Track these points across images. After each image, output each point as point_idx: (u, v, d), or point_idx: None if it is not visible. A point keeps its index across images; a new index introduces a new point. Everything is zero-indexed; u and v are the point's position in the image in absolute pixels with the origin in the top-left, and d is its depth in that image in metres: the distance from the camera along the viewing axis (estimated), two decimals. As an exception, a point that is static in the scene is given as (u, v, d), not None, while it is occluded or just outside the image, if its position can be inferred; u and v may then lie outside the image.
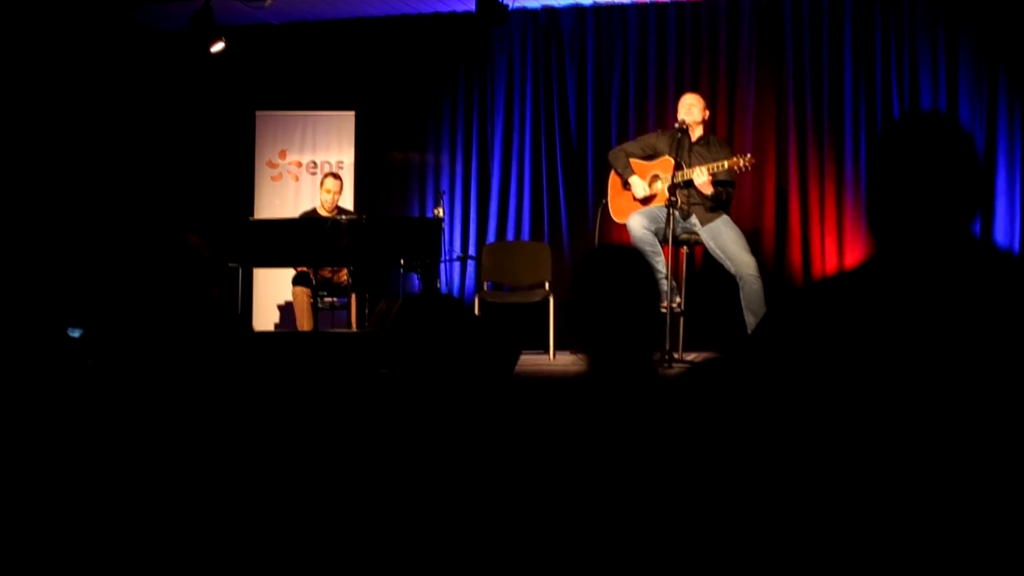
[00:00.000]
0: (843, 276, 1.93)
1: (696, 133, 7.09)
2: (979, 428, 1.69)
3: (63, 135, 8.55)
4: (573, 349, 2.25)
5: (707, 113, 7.22)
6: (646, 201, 7.16)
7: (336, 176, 8.50)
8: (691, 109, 7.10)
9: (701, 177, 6.84)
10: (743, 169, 6.96)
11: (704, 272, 7.84)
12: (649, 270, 2.31)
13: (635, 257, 2.34)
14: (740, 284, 6.89)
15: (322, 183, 8.45)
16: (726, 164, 6.88)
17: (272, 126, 9.60)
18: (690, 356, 6.81)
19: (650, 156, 7.25)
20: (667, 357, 6.52)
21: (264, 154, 9.58)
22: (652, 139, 7.40)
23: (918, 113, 6.46)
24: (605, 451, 2.05)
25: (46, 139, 8.41)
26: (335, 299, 8.45)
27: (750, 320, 6.79)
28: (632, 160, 7.28)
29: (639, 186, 7.16)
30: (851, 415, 1.72)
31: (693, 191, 6.95)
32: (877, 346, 1.74)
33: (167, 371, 2.95)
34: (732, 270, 6.96)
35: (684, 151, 6.97)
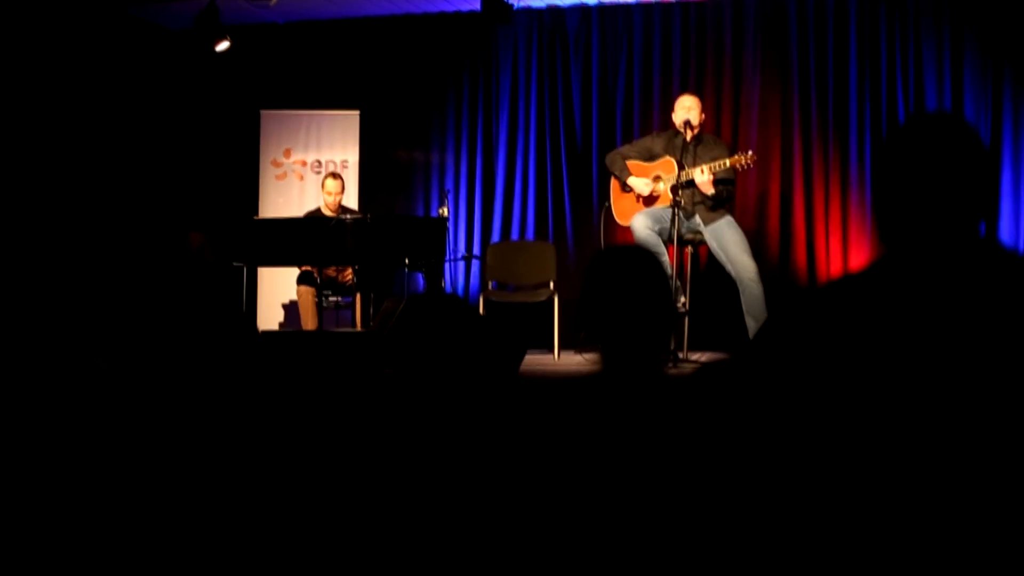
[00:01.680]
0: (850, 278, 1.92)
1: (691, 133, 7.07)
2: (985, 429, 1.68)
3: (66, 135, 8.54)
4: (580, 348, 2.26)
5: (703, 116, 7.20)
6: (649, 201, 7.15)
7: (337, 176, 8.45)
8: (690, 111, 7.08)
9: (702, 176, 6.84)
10: (745, 167, 6.96)
11: (708, 272, 7.82)
12: (662, 269, 2.33)
13: (648, 256, 2.36)
14: (740, 288, 6.89)
15: (323, 184, 8.43)
16: (728, 162, 6.88)
17: (277, 125, 9.60)
18: (695, 356, 6.81)
19: (647, 158, 7.25)
20: (672, 357, 6.51)
21: (269, 153, 9.58)
22: (648, 141, 7.40)
23: (924, 113, 6.46)
24: (615, 449, 2.05)
25: (48, 139, 8.40)
26: (340, 298, 8.43)
27: (751, 324, 6.79)
28: (631, 162, 7.28)
29: (641, 185, 7.15)
30: (858, 417, 1.72)
31: (695, 190, 6.94)
32: (884, 348, 1.74)
33: (172, 370, 2.95)
34: (733, 273, 6.95)
35: (683, 151, 6.97)
